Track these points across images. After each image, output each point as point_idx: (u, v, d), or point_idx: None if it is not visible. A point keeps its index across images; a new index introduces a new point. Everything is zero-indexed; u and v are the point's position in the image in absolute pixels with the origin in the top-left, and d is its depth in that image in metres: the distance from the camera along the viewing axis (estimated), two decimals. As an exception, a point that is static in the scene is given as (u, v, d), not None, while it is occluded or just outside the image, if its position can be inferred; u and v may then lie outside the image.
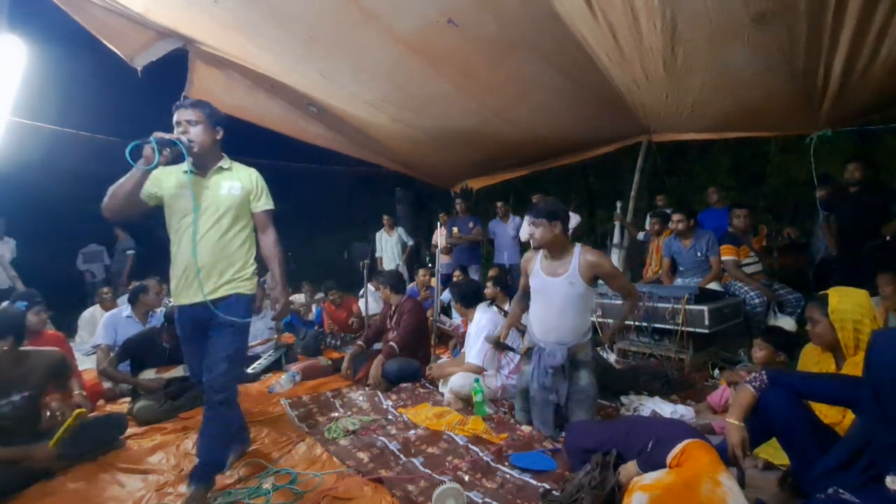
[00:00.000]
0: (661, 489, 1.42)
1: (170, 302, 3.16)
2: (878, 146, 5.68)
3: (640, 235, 5.09)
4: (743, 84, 3.25)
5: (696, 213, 4.14)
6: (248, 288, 2.04)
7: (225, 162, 2.05)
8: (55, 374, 2.32)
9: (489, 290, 4.13)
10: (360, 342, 3.77)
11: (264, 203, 2.13)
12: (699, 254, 3.90)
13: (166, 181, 1.96)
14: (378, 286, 3.80)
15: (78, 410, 2.18)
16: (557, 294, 2.36)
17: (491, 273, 4.68)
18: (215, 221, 1.95)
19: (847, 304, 1.77)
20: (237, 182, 2.04)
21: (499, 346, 2.84)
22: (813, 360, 1.97)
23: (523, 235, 5.29)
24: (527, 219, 2.47)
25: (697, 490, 1.34)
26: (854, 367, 1.75)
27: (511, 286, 4.43)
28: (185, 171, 1.94)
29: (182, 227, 1.94)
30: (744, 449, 1.51)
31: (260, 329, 4.32)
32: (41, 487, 2.01)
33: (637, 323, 3.59)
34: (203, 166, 1.99)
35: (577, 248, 2.39)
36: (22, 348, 2.24)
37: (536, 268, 2.47)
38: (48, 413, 2.27)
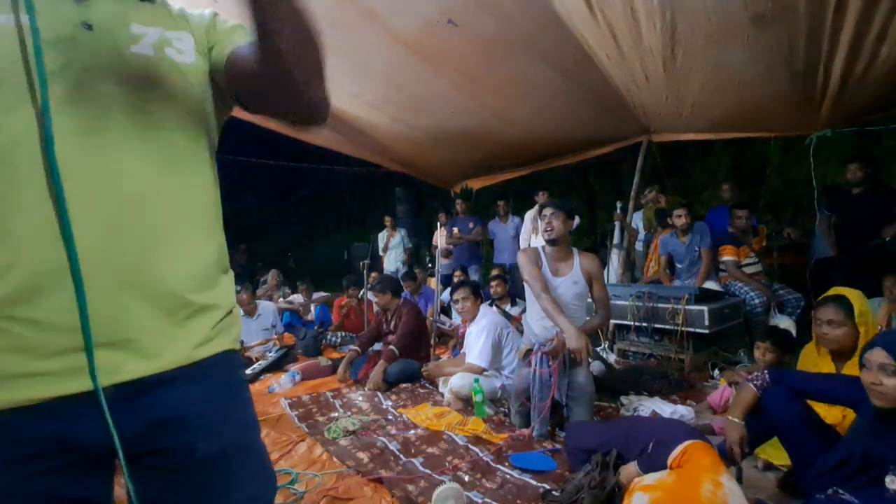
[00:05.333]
0: (661, 490, 1.42)
1: None
2: (877, 147, 5.69)
3: (642, 235, 5.09)
4: (743, 85, 3.25)
5: (695, 210, 4.16)
6: (236, 333, 0.77)
7: None
8: None
9: (498, 287, 4.13)
10: (355, 347, 3.72)
11: (237, 35, 0.77)
12: (696, 248, 3.92)
13: None
14: (377, 293, 3.76)
15: None
16: (563, 294, 2.45)
17: (495, 272, 4.69)
18: (124, 122, 0.63)
19: (867, 306, 1.80)
20: (183, 32, 0.73)
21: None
22: (812, 360, 1.97)
23: (524, 236, 5.29)
24: (546, 210, 2.55)
25: (698, 491, 1.34)
26: (854, 367, 1.75)
27: (511, 286, 4.44)
28: None
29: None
30: (742, 446, 1.52)
31: (254, 329, 4.30)
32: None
33: (637, 323, 3.59)
34: None
35: (575, 250, 2.54)
36: None
37: (544, 267, 2.51)
38: None
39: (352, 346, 3.80)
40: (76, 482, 0.61)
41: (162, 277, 0.64)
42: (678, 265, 4.10)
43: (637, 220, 5.15)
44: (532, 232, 5.22)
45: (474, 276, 5.38)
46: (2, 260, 0.56)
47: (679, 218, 3.96)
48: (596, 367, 3.00)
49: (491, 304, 4.00)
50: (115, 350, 0.60)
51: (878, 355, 1.30)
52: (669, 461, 1.52)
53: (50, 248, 0.57)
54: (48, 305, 0.57)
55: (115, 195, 0.61)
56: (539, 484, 1.89)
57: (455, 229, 5.66)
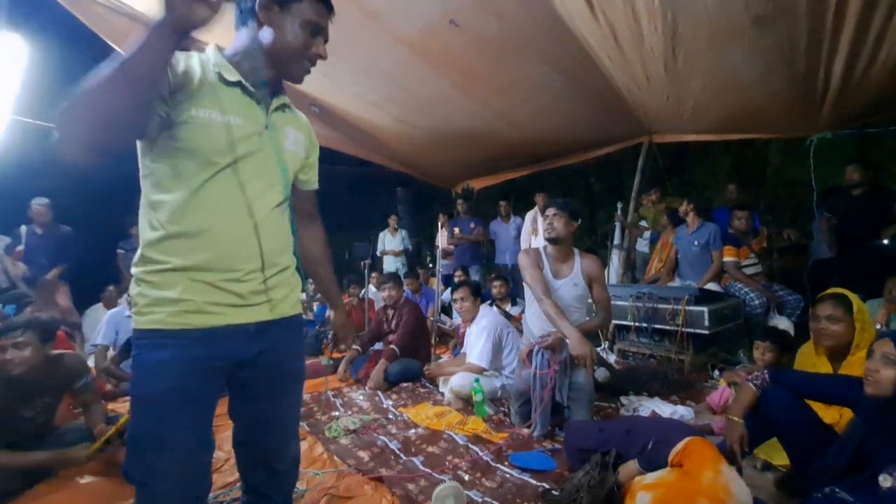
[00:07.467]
0: (663, 487, 1.43)
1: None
2: (877, 148, 5.68)
3: (645, 235, 5.09)
4: (743, 86, 3.26)
5: (701, 208, 4.19)
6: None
7: (285, 96, 1.19)
8: (76, 378, 2.19)
9: (499, 287, 4.13)
10: (356, 346, 3.71)
11: (315, 176, 1.34)
12: (697, 243, 3.93)
13: (207, 90, 1.02)
14: (389, 288, 3.77)
15: (125, 417, 2.04)
16: (563, 296, 2.44)
17: (496, 273, 4.70)
18: (271, 185, 1.12)
19: (863, 305, 1.82)
20: (301, 135, 1.23)
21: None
22: (809, 360, 1.98)
23: (524, 237, 5.30)
24: (549, 210, 2.50)
25: (699, 480, 1.36)
26: (850, 367, 1.76)
27: (511, 286, 4.44)
28: (234, 82, 1.05)
29: (218, 178, 1.03)
30: (742, 445, 1.53)
31: None
32: (43, 487, 2.00)
33: (637, 323, 3.60)
34: (261, 84, 1.10)
35: (576, 251, 2.51)
36: (52, 352, 2.09)
37: (546, 269, 2.49)
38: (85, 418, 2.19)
39: (354, 346, 3.81)
40: (217, 381, 1.11)
41: (287, 267, 1.18)
42: (679, 256, 4.13)
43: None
44: (531, 233, 5.22)
45: (475, 277, 5.39)
46: (222, 253, 1.03)
47: (682, 206, 4.10)
48: (601, 373, 2.99)
49: (491, 304, 4.01)
50: (263, 305, 1.12)
51: (885, 345, 1.33)
52: (670, 457, 1.52)
53: (248, 249, 1.07)
54: (241, 282, 1.07)
55: (271, 221, 1.11)
56: (538, 483, 1.89)
57: (456, 229, 5.67)
